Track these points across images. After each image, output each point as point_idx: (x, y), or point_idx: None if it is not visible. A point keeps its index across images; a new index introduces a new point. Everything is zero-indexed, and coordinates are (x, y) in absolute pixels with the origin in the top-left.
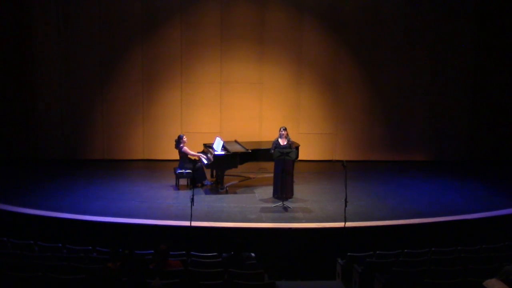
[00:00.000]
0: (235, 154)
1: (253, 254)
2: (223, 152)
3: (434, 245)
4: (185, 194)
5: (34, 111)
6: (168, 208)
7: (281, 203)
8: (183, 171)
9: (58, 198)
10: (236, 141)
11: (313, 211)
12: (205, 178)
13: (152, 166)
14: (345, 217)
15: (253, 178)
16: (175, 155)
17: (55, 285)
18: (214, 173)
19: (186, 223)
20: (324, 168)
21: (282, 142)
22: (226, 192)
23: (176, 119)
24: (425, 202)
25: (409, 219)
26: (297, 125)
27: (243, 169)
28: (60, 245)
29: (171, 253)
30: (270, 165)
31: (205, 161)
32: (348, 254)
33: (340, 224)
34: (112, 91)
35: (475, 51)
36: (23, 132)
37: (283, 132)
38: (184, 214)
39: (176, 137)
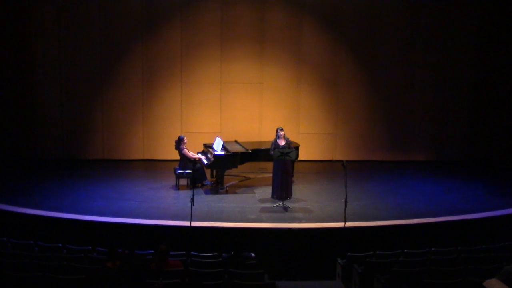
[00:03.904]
0: (235, 154)
1: (253, 254)
2: (223, 152)
3: (434, 245)
4: (185, 194)
5: (34, 111)
6: (168, 208)
7: (281, 203)
8: (183, 171)
9: (58, 198)
10: (236, 141)
11: (313, 211)
12: (205, 178)
13: (152, 166)
14: (345, 217)
15: (253, 178)
16: (175, 155)
17: (55, 285)
18: (214, 173)
19: (186, 223)
20: (324, 168)
21: (281, 142)
22: (226, 192)
23: (176, 119)
24: (425, 202)
25: (409, 219)
26: (297, 125)
27: (243, 169)
28: (60, 245)
29: (171, 253)
30: (270, 165)
31: (205, 161)
32: (348, 254)
33: (340, 224)
34: (112, 91)
35: (475, 51)
36: (23, 132)
37: (281, 133)
38: (184, 214)
39: (177, 138)
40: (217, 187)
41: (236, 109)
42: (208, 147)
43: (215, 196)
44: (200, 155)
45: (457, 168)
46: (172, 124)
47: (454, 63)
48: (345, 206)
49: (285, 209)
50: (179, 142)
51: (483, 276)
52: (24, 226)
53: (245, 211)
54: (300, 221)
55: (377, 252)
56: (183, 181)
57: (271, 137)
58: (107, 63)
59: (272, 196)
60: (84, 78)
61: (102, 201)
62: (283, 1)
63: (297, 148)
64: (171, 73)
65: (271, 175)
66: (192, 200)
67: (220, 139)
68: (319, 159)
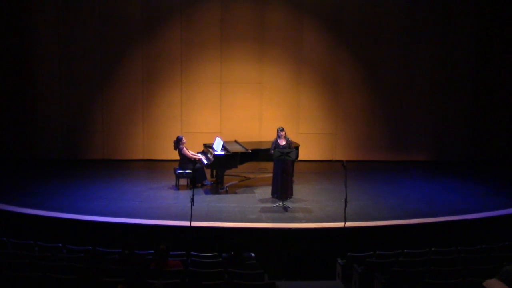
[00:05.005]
0: (235, 154)
1: (253, 254)
2: (223, 152)
3: (434, 245)
4: (185, 194)
5: (34, 111)
6: (168, 208)
7: (281, 203)
8: (183, 171)
9: (58, 198)
10: (236, 141)
11: (313, 211)
12: (205, 178)
13: (152, 166)
14: (345, 217)
15: (253, 178)
16: (175, 155)
17: (55, 285)
18: (214, 173)
19: (186, 223)
20: (324, 168)
21: (281, 142)
22: (226, 192)
23: (176, 119)
24: (425, 202)
25: (409, 219)
26: (297, 125)
27: (243, 169)
28: (60, 245)
29: (171, 253)
30: (270, 165)
31: (205, 161)
32: (348, 254)
33: (340, 224)
34: (112, 91)
35: (475, 51)
36: (23, 132)
37: (281, 133)
38: (184, 214)
39: (175, 138)
40: (217, 187)
41: (236, 109)
42: (208, 147)
43: (215, 196)
44: (200, 155)
45: (457, 168)
46: (172, 124)
47: (454, 63)
48: (345, 206)
49: (285, 209)
50: (178, 142)
51: (483, 276)
52: (24, 226)
53: (245, 211)
54: (300, 221)
55: (377, 252)
56: (183, 181)
57: (271, 137)
58: (107, 63)
59: (272, 196)
60: (84, 78)
61: (102, 201)
62: (283, 1)
63: (297, 148)
64: (171, 73)
65: (271, 175)
66: (192, 200)
67: (220, 139)
68: (319, 159)
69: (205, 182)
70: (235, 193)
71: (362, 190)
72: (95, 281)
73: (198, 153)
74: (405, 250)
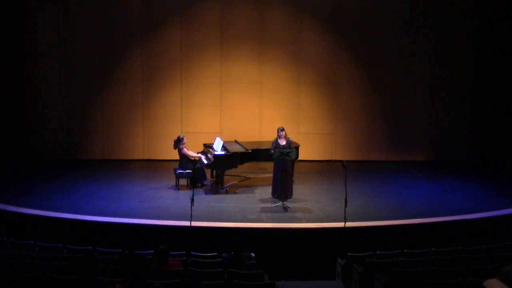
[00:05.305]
0: (235, 154)
1: (253, 254)
2: (223, 152)
3: (434, 245)
4: (185, 194)
5: (34, 111)
6: (168, 208)
7: (281, 203)
8: (183, 171)
9: (58, 198)
10: (236, 141)
11: (313, 211)
12: (205, 178)
13: (152, 166)
14: (345, 217)
15: (253, 178)
16: (175, 155)
17: (55, 285)
18: (214, 173)
19: (186, 223)
20: (324, 168)
21: (282, 142)
22: (226, 192)
23: (176, 119)
24: (425, 202)
25: (409, 219)
26: (297, 125)
27: (243, 169)
28: (60, 245)
29: (171, 253)
30: (270, 165)
31: (205, 161)
32: (348, 254)
33: (340, 224)
34: (112, 91)
35: (475, 51)
36: (23, 132)
37: (281, 133)
38: (184, 214)
39: (176, 138)
40: (217, 187)
41: (236, 109)
42: (208, 147)
43: (215, 196)
44: (200, 155)
45: (456, 168)
46: (172, 124)
47: (454, 63)
48: (345, 206)
49: (285, 209)
50: (178, 142)
51: (483, 276)
52: (24, 226)
53: (245, 211)
54: (300, 221)
55: (377, 252)
56: (183, 181)
57: (271, 137)
58: (107, 63)
59: (272, 196)
60: (84, 78)
61: (102, 201)
62: (283, 1)
63: (297, 148)
64: (171, 73)
65: (271, 175)
66: (192, 200)
67: (220, 139)
68: (319, 159)
69: (205, 182)
70: (235, 193)
71: (362, 190)
72: (95, 281)
73: (198, 153)
74: (405, 250)
